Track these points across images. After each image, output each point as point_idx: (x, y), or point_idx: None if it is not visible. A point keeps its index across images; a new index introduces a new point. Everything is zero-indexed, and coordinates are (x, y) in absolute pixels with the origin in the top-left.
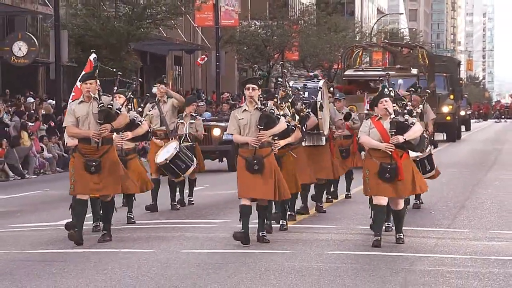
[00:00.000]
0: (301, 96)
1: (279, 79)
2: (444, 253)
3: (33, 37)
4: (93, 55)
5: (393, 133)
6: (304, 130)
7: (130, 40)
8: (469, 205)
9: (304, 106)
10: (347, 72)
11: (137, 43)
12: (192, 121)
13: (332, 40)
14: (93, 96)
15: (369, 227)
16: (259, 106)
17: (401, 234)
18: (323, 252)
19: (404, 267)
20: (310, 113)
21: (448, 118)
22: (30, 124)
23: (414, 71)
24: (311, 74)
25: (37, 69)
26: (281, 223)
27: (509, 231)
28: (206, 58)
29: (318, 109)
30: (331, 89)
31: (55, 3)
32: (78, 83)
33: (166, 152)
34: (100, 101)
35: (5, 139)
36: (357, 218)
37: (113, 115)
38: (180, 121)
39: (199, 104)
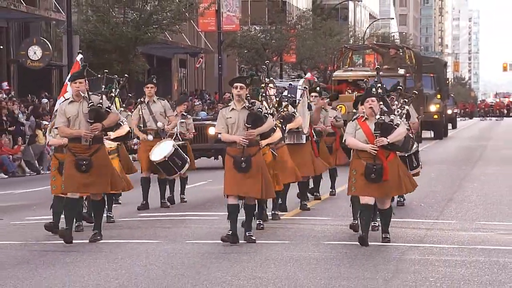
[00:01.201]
0: (286, 95)
1: (265, 78)
2: (433, 243)
3: (47, 42)
4: (80, 56)
5: (378, 134)
6: (285, 129)
7: (137, 44)
8: (457, 198)
9: (287, 104)
10: (336, 73)
11: (144, 46)
12: (183, 120)
13: (327, 44)
14: (83, 95)
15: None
16: (247, 105)
17: (388, 234)
18: (320, 242)
19: (395, 256)
20: (296, 113)
21: (436, 116)
22: (45, 123)
23: (401, 71)
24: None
25: (51, 72)
26: (257, 222)
27: (493, 222)
28: (202, 61)
29: (302, 109)
30: (318, 88)
31: (67, 10)
32: (67, 82)
33: (162, 149)
34: (91, 101)
35: (21, 137)
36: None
37: (103, 114)
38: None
39: (195, 104)
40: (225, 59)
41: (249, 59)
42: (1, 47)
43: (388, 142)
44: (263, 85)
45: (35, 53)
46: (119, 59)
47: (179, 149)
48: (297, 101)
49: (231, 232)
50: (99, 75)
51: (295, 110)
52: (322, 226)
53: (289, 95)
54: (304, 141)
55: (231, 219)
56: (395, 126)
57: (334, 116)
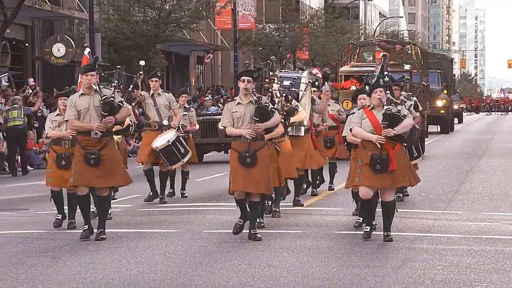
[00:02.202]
0: (290, 88)
1: (270, 73)
2: (440, 233)
3: (70, 39)
4: (87, 49)
5: (385, 125)
6: (287, 123)
7: (157, 41)
8: (463, 190)
9: (291, 98)
10: (343, 68)
11: (163, 44)
12: (185, 112)
13: (338, 41)
14: (94, 88)
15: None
16: (254, 99)
17: (390, 232)
18: (331, 232)
19: (404, 246)
20: (299, 106)
21: (442, 111)
22: None
23: (407, 67)
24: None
25: (74, 68)
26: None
27: (499, 212)
28: (211, 56)
29: (305, 102)
30: (316, 83)
31: (90, 9)
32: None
33: (165, 137)
34: (104, 94)
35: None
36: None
37: (116, 108)
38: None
39: (205, 99)
40: (240, 56)
41: (264, 56)
42: (27, 44)
43: (395, 133)
44: (267, 79)
45: (59, 50)
46: (139, 56)
47: (181, 138)
48: (300, 94)
49: (241, 221)
50: (115, 71)
51: (298, 104)
52: (334, 217)
53: (293, 89)
54: (302, 134)
55: (242, 211)
56: (402, 117)
57: (337, 110)
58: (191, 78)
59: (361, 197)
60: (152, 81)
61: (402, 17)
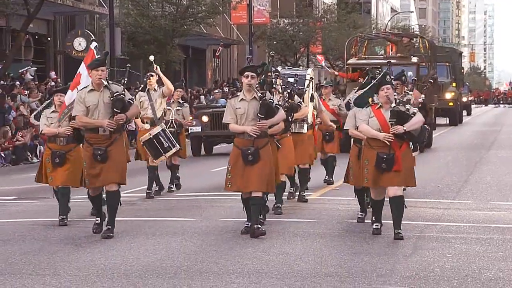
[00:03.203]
0: (294, 85)
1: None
2: (450, 222)
3: (91, 33)
4: (94, 44)
5: (393, 122)
6: (290, 120)
7: (174, 36)
8: (472, 180)
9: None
10: (350, 61)
11: (181, 38)
12: (179, 107)
13: (351, 35)
14: (104, 84)
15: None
16: (259, 95)
17: (400, 229)
18: (344, 220)
19: (415, 234)
20: (302, 102)
21: (451, 104)
22: None
23: (414, 59)
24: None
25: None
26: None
27: (507, 202)
28: (221, 49)
29: (308, 99)
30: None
31: (110, 4)
32: (80, 70)
33: (149, 133)
34: (116, 91)
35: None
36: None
37: (127, 105)
38: (167, 107)
39: (215, 92)
40: (255, 50)
41: (278, 50)
42: (49, 39)
43: (405, 130)
44: (269, 73)
45: (80, 44)
46: (157, 50)
47: (167, 132)
48: (304, 90)
49: (249, 224)
50: (126, 69)
51: (301, 100)
52: (346, 206)
53: (296, 86)
54: (305, 131)
55: (247, 211)
56: (412, 115)
57: (338, 105)
58: (208, 71)
59: (374, 198)
60: (150, 79)
61: (413, 12)
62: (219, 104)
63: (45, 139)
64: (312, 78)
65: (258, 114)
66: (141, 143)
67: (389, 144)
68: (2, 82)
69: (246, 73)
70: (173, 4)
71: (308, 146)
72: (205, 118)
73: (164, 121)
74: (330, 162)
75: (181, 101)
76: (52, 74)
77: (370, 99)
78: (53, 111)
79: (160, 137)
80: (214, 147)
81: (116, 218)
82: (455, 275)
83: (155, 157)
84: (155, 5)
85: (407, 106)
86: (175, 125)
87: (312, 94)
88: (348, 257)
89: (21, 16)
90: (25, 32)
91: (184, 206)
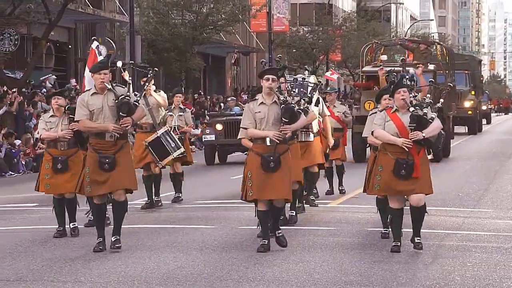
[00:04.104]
0: (300, 89)
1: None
2: (470, 230)
3: (111, 41)
4: (95, 43)
5: (413, 127)
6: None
7: (194, 43)
8: (492, 188)
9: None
10: (365, 68)
11: (200, 46)
12: (181, 113)
13: None
14: (108, 87)
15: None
16: (282, 99)
17: (420, 238)
18: (364, 228)
19: (435, 242)
20: (309, 108)
21: (470, 112)
22: None
23: (431, 66)
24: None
25: (115, 70)
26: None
27: None
28: (235, 56)
29: (314, 104)
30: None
31: (130, 12)
32: (85, 74)
33: (155, 133)
34: (121, 94)
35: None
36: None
37: (133, 108)
38: (169, 113)
39: (228, 100)
40: (275, 57)
41: (298, 58)
42: (70, 46)
43: (424, 136)
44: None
45: (100, 52)
46: (177, 57)
47: (172, 133)
48: (309, 96)
49: (265, 241)
50: (150, 72)
51: (308, 106)
52: (366, 214)
53: (302, 90)
54: (311, 139)
55: (263, 227)
56: (430, 120)
57: (343, 112)
58: (227, 79)
59: (392, 207)
60: (149, 86)
61: (433, 20)
62: (233, 112)
63: (32, 151)
64: (317, 85)
65: (283, 119)
66: (145, 145)
67: (407, 150)
68: (23, 89)
69: (267, 76)
70: (193, 12)
71: (315, 149)
72: (219, 127)
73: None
74: (339, 171)
75: (182, 107)
76: (73, 81)
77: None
78: (51, 116)
79: (166, 136)
80: (228, 155)
81: (136, 225)
82: (475, 284)
83: (161, 158)
84: (175, 13)
85: (425, 110)
86: (177, 131)
87: (318, 98)
88: (368, 265)
89: (42, 24)
90: (47, 40)
91: (203, 213)
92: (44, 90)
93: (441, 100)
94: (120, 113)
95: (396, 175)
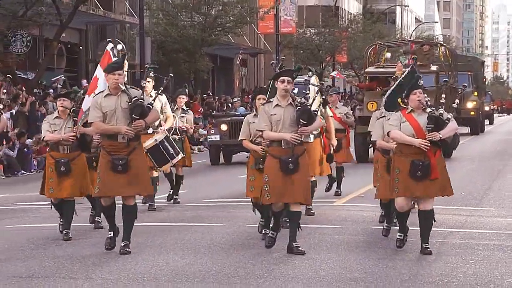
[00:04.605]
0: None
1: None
2: (473, 228)
3: (121, 42)
4: (110, 45)
5: (430, 128)
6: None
7: (203, 45)
8: (495, 187)
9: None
10: (368, 69)
11: (209, 47)
12: (183, 114)
13: None
14: (122, 88)
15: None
16: (299, 100)
17: (428, 244)
18: (368, 227)
19: (438, 240)
20: (316, 111)
21: (472, 113)
22: None
23: (434, 67)
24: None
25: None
26: (263, 231)
27: None
28: (240, 57)
29: (321, 107)
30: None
31: (140, 14)
32: (96, 74)
33: (153, 138)
34: (134, 96)
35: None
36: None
37: (146, 111)
38: (172, 114)
39: (234, 100)
40: (279, 58)
41: (304, 59)
42: (81, 48)
43: (441, 137)
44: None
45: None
46: (186, 58)
47: (171, 139)
48: (311, 97)
49: (274, 234)
50: (166, 78)
51: (316, 109)
52: (371, 212)
53: (303, 91)
54: (311, 140)
55: (276, 221)
56: (446, 121)
57: (345, 113)
58: (235, 80)
59: (398, 209)
60: (146, 86)
61: (437, 22)
62: (238, 113)
63: (43, 150)
64: (319, 86)
65: (301, 120)
66: (144, 150)
67: (425, 150)
68: (35, 90)
69: (282, 77)
70: (202, 14)
71: (315, 156)
72: (223, 127)
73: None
74: (338, 174)
75: (185, 108)
76: (84, 82)
77: (400, 99)
78: (56, 117)
79: (166, 142)
80: (233, 155)
81: (145, 224)
82: (477, 281)
83: (160, 164)
84: (184, 15)
85: (440, 111)
86: (179, 132)
87: (323, 99)
88: (373, 262)
89: (54, 25)
90: (58, 41)
91: (211, 212)
92: (51, 90)
93: (457, 100)
94: (133, 115)
95: (412, 176)
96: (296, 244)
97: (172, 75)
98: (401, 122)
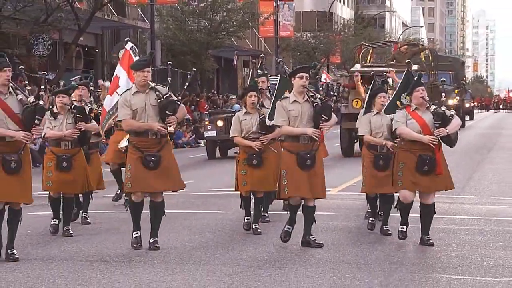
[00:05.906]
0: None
1: (258, 71)
2: (455, 215)
3: (134, 46)
4: (130, 44)
5: (438, 124)
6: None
7: (208, 47)
8: (475, 177)
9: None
10: (353, 68)
11: (214, 50)
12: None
13: None
14: (150, 86)
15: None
16: (318, 96)
17: (429, 235)
18: (360, 214)
19: None
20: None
21: (453, 109)
22: None
23: (415, 67)
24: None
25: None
26: (253, 226)
27: (506, 197)
28: (236, 57)
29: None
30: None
31: (151, 20)
32: (117, 73)
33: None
34: (165, 93)
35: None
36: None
37: (177, 107)
38: None
39: (229, 98)
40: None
41: (301, 61)
42: (97, 50)
43: (447, 133)
44: (262, 77)
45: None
46: (193, 60)
47: None
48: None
49: (290, 228)
50: (190, 73)
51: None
52: (363, 200)
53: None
54: None
55: (292, 215)
56: (450, 118)
57: None
58: (238, 79)
59: (403, 201)
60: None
61: (422, 26)
62: (234, 110)
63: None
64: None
65: (323, 116)
66: (121, 151)
67: (433, 146)
68: (54, 88)
69: (300, 74)
70: (207, 20)
71: None
72: (220, 123)
73: None
74: None
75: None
76: (100, 81)
77: (398, 102)
78: (53, 114)
79: None
80: (229, 150)
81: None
82: (459, 262)
83: None
84: (192, 21)
85: (443, 108)
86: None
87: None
88: (364, 246)
89: (72, 30)
90: (76, 44)
91: (216, 200)
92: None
93: (443, 94)
94: (167, 112)
95: (418, 170)
96: (312, 237)
97: (195, 69)
98: (407, 119)
